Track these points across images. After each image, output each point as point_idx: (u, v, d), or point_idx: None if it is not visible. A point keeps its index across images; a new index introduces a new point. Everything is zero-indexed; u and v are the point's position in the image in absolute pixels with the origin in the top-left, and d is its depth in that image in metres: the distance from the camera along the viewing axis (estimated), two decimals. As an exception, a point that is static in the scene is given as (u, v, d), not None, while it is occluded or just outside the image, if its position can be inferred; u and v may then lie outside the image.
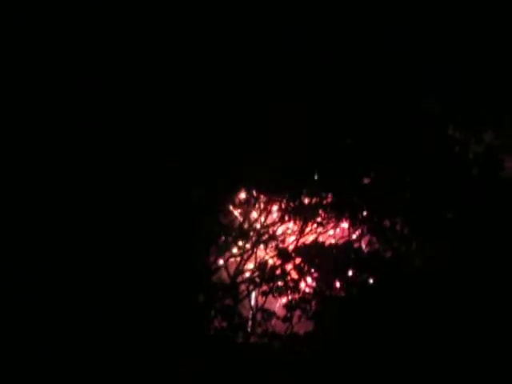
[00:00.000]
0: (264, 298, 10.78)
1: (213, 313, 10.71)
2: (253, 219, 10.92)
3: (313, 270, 10.70)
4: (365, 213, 10.74)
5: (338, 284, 10.68)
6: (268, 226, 10.93)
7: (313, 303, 10.69)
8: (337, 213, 10.77)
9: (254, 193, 10.85)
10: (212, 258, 10.86)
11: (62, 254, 10.37)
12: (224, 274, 10.92)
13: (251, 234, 10.88)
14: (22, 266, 10.28)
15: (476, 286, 10.51)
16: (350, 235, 10.91)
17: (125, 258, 10.40)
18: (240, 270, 10.92)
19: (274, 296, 10.82)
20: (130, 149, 10.51)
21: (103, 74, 10.67)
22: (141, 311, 10.34)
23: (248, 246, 10.88)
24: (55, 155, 10.52)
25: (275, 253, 10.81)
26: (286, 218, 10.88)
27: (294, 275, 10.76)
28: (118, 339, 10.26)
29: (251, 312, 10.84)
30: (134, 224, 10.42)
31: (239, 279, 10.92)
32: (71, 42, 10.73)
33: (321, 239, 10.96)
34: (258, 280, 10.80)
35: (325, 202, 10.78)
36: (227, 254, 10.89)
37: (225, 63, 10.73)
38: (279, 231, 10.96)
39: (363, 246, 10.82)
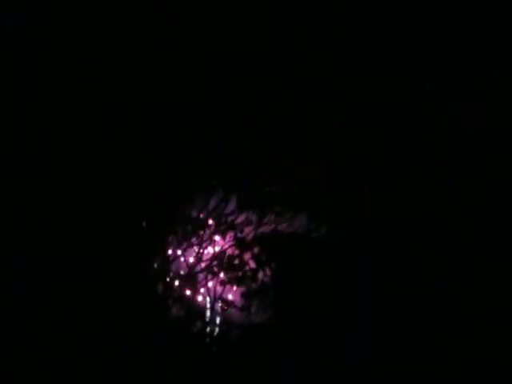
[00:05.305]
0: (222, 288, 10.76)
1: (171, 302, 10.66)
2: (211, 208, 10.80)
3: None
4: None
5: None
6: (227, 215, 10.83)
7: (271, 293, 10.70)
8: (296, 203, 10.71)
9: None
10: (170, 248, 10.77)
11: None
12: (182, 264, 10.85)
13: (210, 223, 10.79)
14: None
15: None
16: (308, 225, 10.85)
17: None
18: (198, 260, 10.84)
19: (232, 286, 10.79)
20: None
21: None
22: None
23: (206, 235, 10.80)
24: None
25: (233, 242, 10.76)
26: (246, 207, 10.78)
27: (253, 265, 10.75)
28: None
29: (209, 301, 10.80)
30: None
31: (197, 269, 10.85)
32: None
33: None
34: (216, 269, 10.76)
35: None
36: (185, 244, 10.80)
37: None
38: (238, 220, 10.86)
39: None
